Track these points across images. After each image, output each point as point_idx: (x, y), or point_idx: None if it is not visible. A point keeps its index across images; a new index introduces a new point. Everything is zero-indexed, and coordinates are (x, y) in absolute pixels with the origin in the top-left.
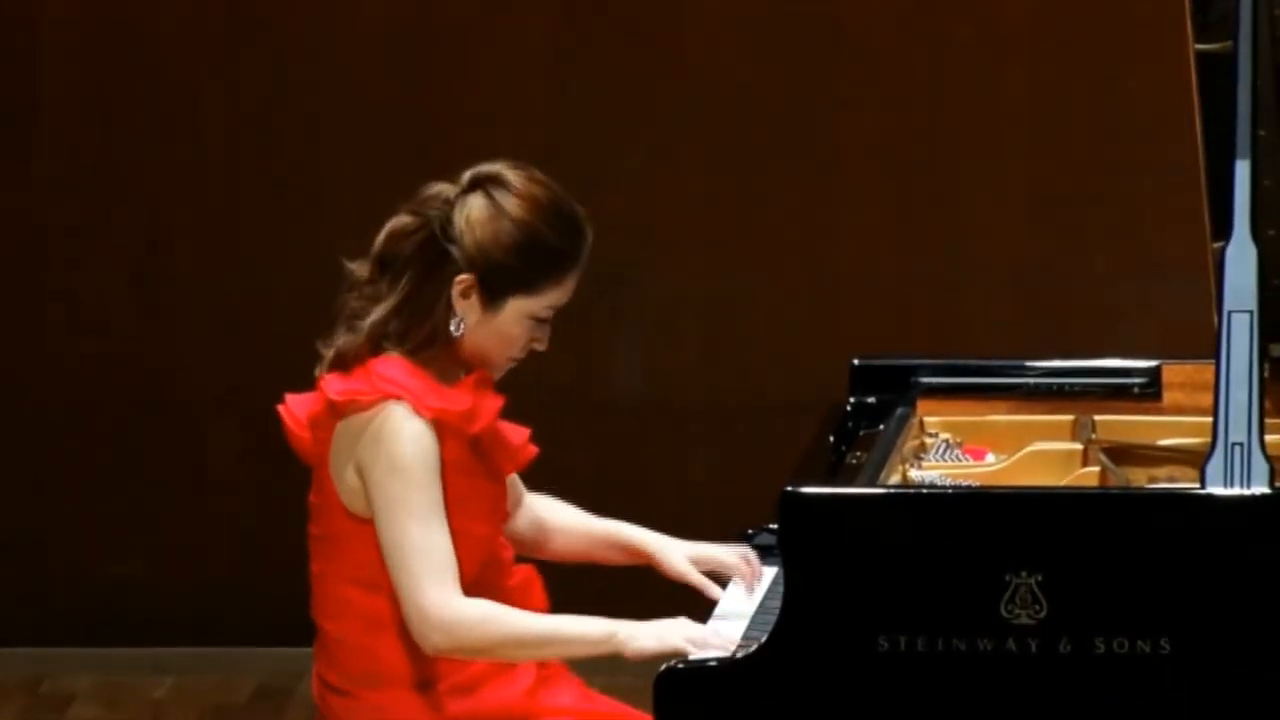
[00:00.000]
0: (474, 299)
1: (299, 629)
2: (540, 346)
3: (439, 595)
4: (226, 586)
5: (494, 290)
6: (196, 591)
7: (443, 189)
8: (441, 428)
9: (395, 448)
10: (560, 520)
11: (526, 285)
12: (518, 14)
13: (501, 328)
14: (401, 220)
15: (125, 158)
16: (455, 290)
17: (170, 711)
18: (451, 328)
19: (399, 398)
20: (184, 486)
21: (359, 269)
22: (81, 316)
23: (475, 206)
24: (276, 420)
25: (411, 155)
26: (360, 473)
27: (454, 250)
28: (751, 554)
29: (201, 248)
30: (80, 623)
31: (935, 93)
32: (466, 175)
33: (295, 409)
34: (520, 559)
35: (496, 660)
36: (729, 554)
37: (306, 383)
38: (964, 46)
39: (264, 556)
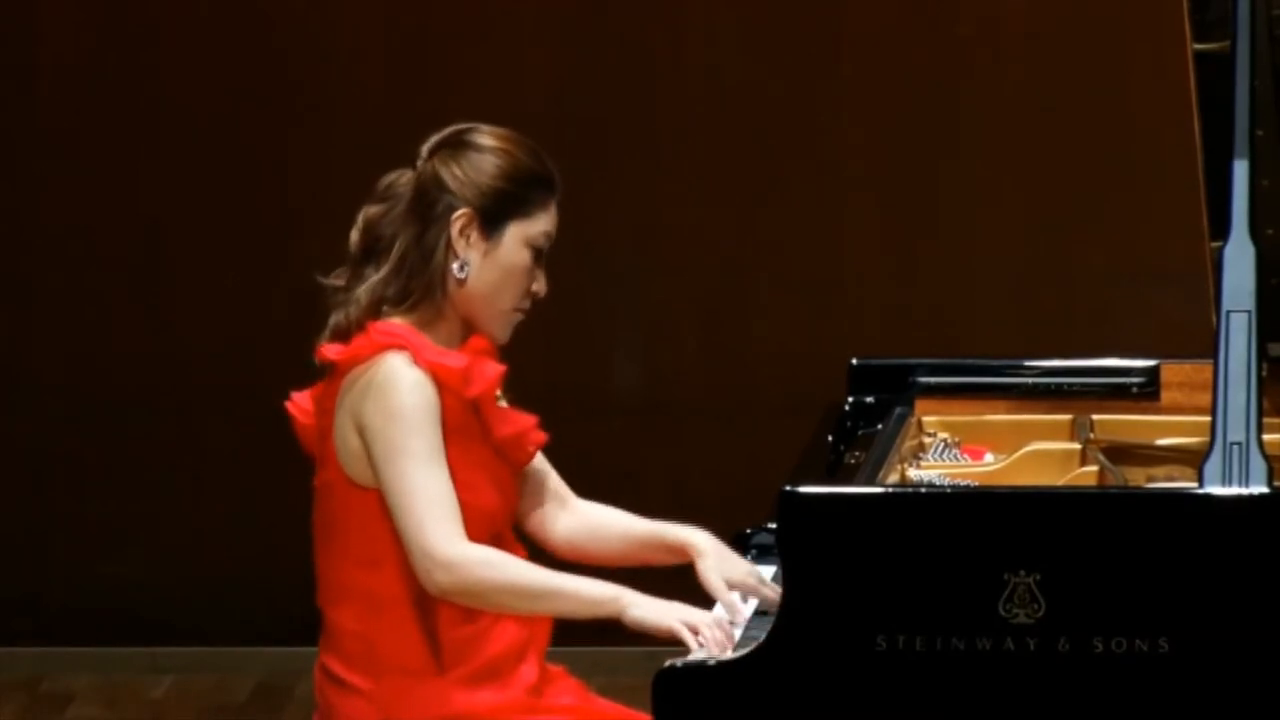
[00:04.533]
0: (474, 234)
1: (297, 628)
2: (540, 290)
3: (443, 534)
4: (225, 586)
5: (492, 219)
6: (195, 591)
7: (400, 171)
8: (438, 383)
9: (393, 394)
10: (605, 522)
11: (521, 208)
12: (517, 15)
13: (504, 259)
14: (370, 210)
15: (123, 156)
16: (454, 229)
17: (169, 711)
18: (457, 271)
19: (400, 347)
20: (183, 487)
21: (336, 278)
22: (81, 316)
23: (447, 157)
24: (275, 421)
25: (411, 155)
26: (358, 427)
27: (442, 196)
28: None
29: (201, 249)
30: (79, 623)
31: (935, 93)
32: (425, 146)
33: (300, 402)
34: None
35: (496, 609)
36: (769, 591)
37: (305, 383)
38: (964, 46)
39: (262, 556)
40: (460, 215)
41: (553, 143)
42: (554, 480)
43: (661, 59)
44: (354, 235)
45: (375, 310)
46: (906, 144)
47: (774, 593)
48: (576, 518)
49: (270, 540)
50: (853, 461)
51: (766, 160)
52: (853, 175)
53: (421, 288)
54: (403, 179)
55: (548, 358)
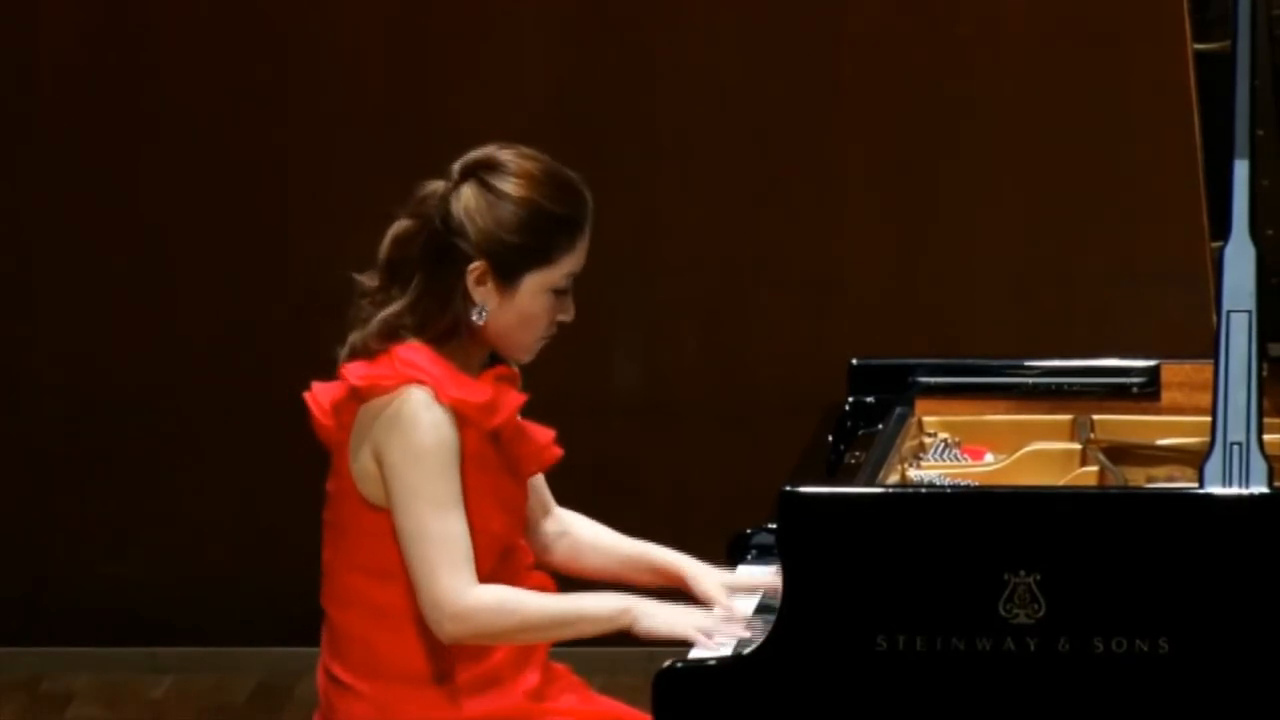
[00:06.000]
0: (490, 284)
1: (297, 629)
2: (566, 318)
3: (454, 584)
4: (225, 586)
5: (508, 271)
6: (195, 591)
7: (436, 187)
8: (460, 418)
9: (414, 435)
10: (592, 538)
11: (538, 259)
12: (517, 15)
13: (522, 306)
14: (402, 224)
15: (124, 158)
16: (470, 279)
17: (169, 711)
18: (474, 317)
19: (421, 382)
20: (182, 487)
21: (368, 279)
22: (81, 316)
23: (472, 195)
24: (275, 421)
25: (411, 155)
26: (376, 457)
27: (460, 242)
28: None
29: (200, 249)
30: (79, 622)
31: (935, 93)
32: (456, 167)
33: (320, 397)
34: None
35: (509, 645)
36: (765, 577)
37: (305, 383)
38: (964, 46)
39: (262, 557)
40: (475, 267)
41: (553, 143)
42: (542, 486)
43: (661, 59)
44: (383, 247)
45: (392, 336)
46: (906, 144)
47: (770, 586)
48: (562, 528)
49: (271, 540)
50: (853, 461)
51: (766, 160)
52: (853, 175)
53: (443, 328)
54: (434, 198)
55: (548, 358)
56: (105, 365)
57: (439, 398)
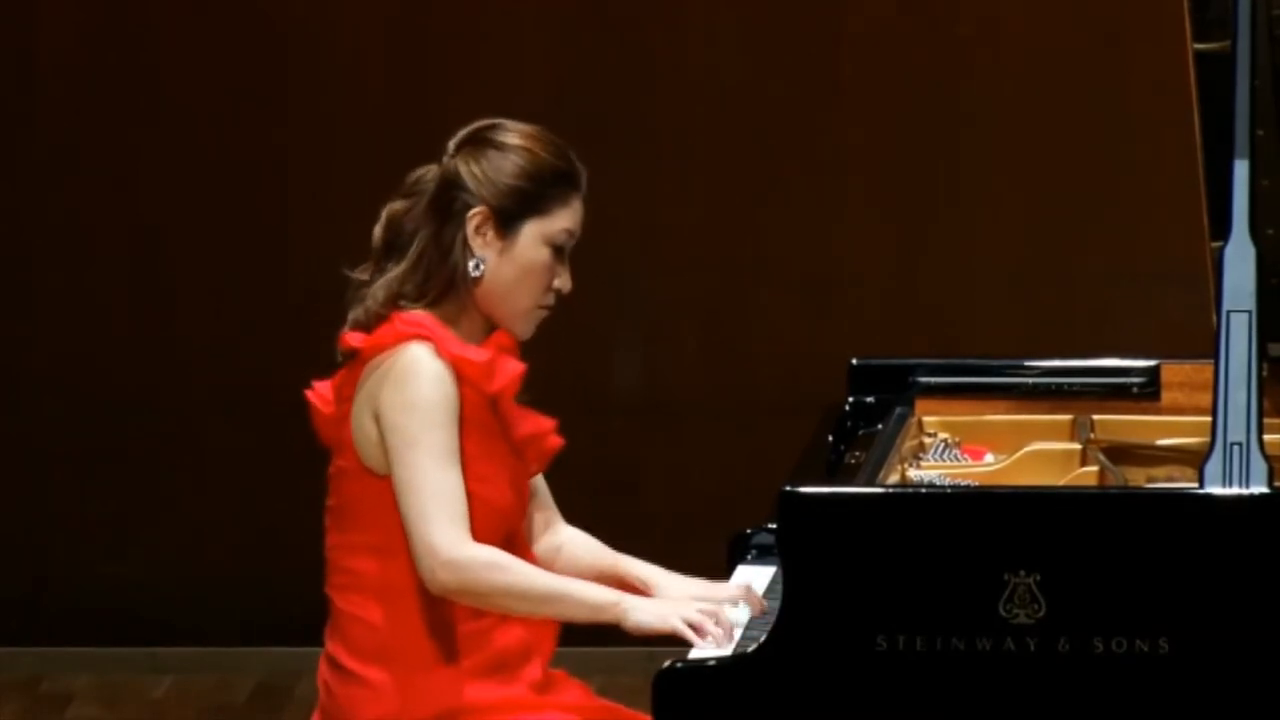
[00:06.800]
0: (489, 232)
1: (297, 628)
2: (564, 286)
3: (450, 533)
4: (225, 586)
5: (508, 217)
6: (195, 591)
7: (428, 167)
8: (460, 377)
9: (413, 385)
10: (573, 546)
11: (537, 206)
12: (517, 15)
13: (521, 257)
14: (395, 205)
15: (123, 156)
16: (470, 227)
17: (169, 711)
18: (471, 267)
19: (424, 338)
20: (182, 487)
21: (360, 273)
22: (81, 316)
23: (471, 153)
24: (275, 420)
25: (411, 155)
26: (375, 414)
27: (460, 194)
28: (754, 588)
29: (200, 249)
30: (79, 622)
31: (935, 93)
32: (451, 142)
33: (321, 390)
34: None
35: (497, 610)
36: (730, 590)
37: (305, 383)
38: (964, 46)
39: (262, 557)
40: (476, 213)
41: None
42: (545, 496)
43: (661, 59)
44: (377, 230)
45: (393, 304)
46: (906, 144)
47: (740, 590)
48: (558, 538)
49: (271, 540)
50: (853, 461)
51: (766, 160)
52: (853, 176)
53: (439, 285)
54: (429, 174)
55: (548, 357)
56: (105, 365)
57: (439, 353)
